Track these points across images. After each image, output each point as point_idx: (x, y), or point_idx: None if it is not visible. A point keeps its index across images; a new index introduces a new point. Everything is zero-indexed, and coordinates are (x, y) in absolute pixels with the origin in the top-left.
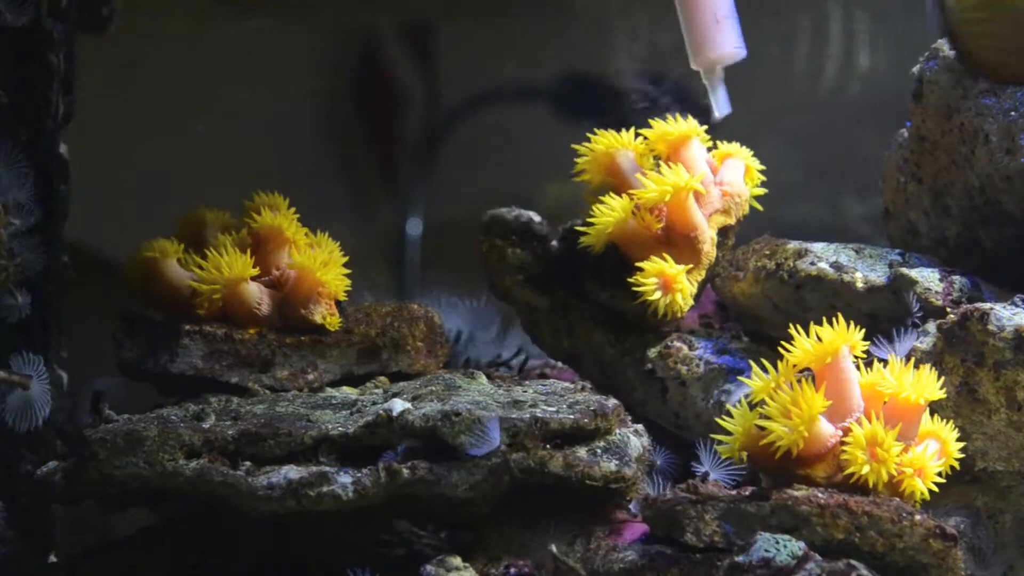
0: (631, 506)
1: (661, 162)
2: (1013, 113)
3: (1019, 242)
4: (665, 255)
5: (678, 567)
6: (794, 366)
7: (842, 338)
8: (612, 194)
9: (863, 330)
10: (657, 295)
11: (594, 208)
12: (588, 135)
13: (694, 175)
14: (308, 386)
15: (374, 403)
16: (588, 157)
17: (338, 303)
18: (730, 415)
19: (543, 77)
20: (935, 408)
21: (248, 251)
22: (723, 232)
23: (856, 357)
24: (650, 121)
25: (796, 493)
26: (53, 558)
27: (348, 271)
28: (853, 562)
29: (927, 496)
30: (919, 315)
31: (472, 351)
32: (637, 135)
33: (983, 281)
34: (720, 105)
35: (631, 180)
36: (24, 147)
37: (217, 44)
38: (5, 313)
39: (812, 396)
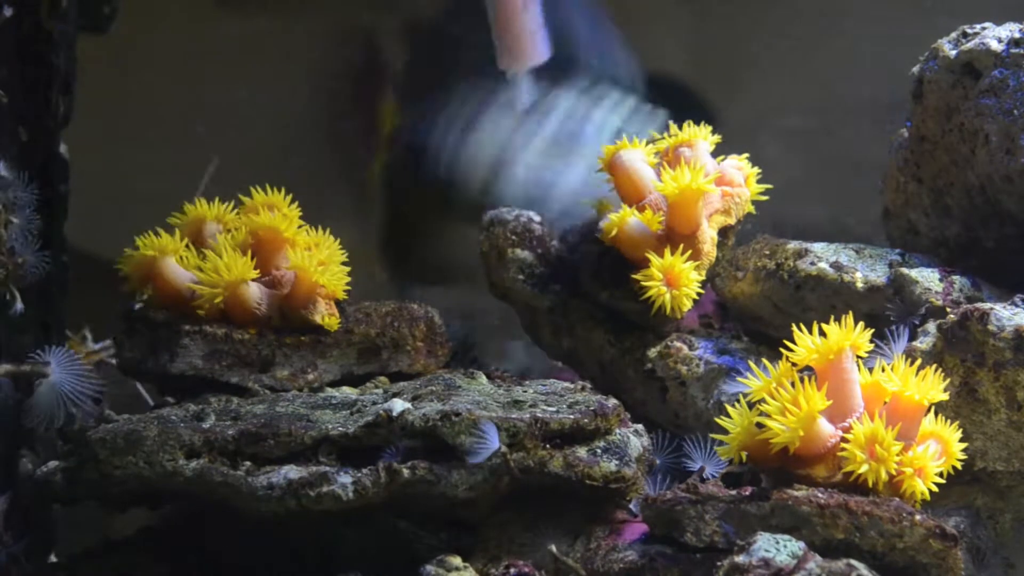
0: (631, 506)
1: (665, 162)
2: (1014, 113)
3: (1019, 242)
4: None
5: (678, 567)
6: (794, 365)
7: (846, 337)
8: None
9: (871, 331)
10: (663, 291)
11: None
12: None
13: (702, 176)
14: (308, 386)
15: (374, 403)
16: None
17: (338, 303)
18: (729, 415)
19: None
20: (935, 408)
21: (248, 252)
22: (723, 232)
23: (858, 357)
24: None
25: (796, 493)
26: (53, 558)
27: (348, 269)
28: (853, 562)
29: (927, 496)
30: (922, 315)
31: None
32: (645, 137)
33: (983, 281)
34: (524, 101)
35: (632, 178)
36: (24, 147)
37: (217, 44)
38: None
39: (812, 395)
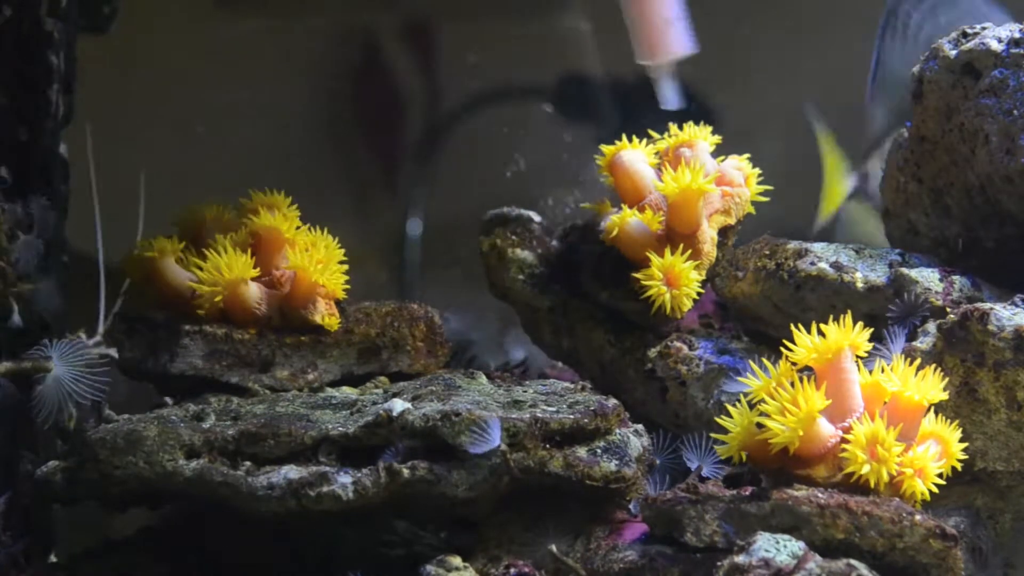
0: (631, 506)
1: (665, 163)
2: (1014, 113)
3: (1019, 242)
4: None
5: (678, 567)
6: (794, 365)
7: (845, 337)
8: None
9: (871, 330)
10: (663, 291)
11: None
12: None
13: (702, 176)
14: (308, 386)
15: (374, 403)
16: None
17: (338, 303)
18: (730, 414)
19: (544, 78)
20: (935, 408)
21: (248, 251)
22: (723, 232)
23: (858, 357)
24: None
25: (796, 493)
26: (53, 558)
27: (346, 269)
28: (853, 562)
29: (927, 496)
30: (922, 315)
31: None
32: (645, 138)
33: (983, 281)
34: (669, 99)
35: (632, 178)
36: (24, 147)
37: (217, 44)
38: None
39: (812, 394)
